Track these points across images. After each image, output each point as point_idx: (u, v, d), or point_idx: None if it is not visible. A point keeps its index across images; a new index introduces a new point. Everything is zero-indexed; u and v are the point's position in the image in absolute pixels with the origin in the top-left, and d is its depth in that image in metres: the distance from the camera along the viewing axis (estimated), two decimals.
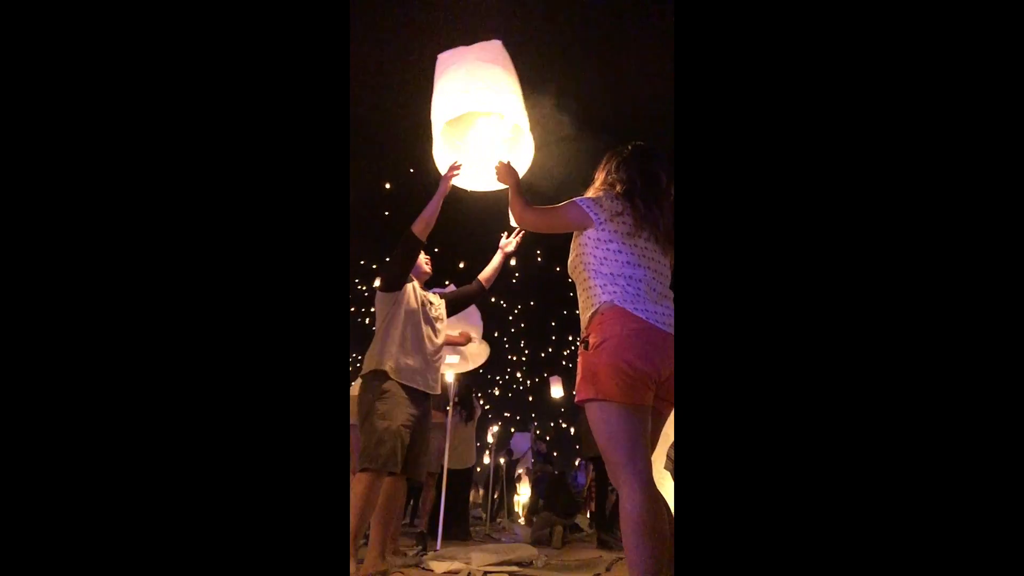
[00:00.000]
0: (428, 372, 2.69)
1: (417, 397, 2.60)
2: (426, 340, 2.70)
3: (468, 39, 2.42)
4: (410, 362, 2.60)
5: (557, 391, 10.87)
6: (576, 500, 5.80)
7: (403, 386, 2.55)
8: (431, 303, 2.83)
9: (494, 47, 2.42)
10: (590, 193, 1.77)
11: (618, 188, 1.72)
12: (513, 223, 1.93)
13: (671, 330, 1.54)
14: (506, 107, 2.35)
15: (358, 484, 2.42)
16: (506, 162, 2.02)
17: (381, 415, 2.47)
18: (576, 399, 1.58)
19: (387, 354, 2.57)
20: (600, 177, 1.82)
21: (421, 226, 2.60)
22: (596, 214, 1.65)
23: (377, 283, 2.79)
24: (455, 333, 3.38)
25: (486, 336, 4.74)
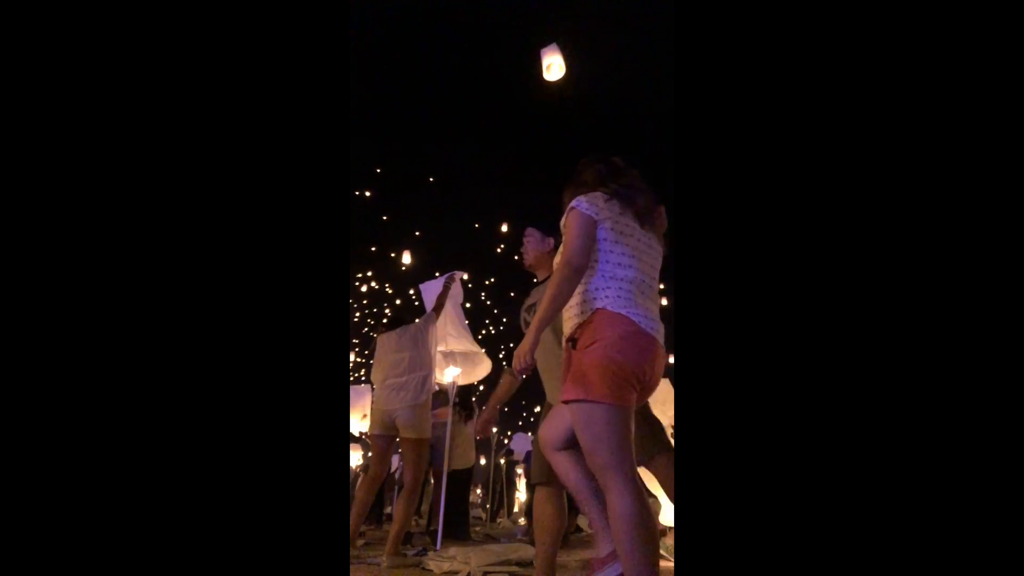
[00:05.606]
0: None
1: None
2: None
3: None
4: None
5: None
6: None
7: None
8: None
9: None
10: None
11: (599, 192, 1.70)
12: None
13: (656, 334, 1.57)
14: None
15: (547, 502, 2.26)
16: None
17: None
18: (562, 399, 1.58)
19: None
20: (570, 195, 1.74)
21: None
22: (596, 212, 1.63)
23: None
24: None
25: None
